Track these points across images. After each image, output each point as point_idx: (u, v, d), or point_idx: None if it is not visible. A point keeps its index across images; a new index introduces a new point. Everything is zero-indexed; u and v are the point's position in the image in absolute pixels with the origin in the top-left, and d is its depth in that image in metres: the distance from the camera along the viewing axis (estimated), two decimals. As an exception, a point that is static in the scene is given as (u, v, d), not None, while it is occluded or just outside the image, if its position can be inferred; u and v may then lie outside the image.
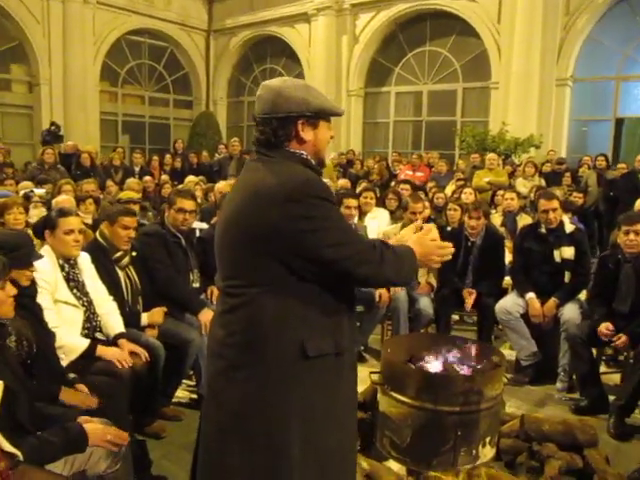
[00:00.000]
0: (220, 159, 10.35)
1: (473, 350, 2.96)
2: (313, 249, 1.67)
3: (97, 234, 3.53)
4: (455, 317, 4.85)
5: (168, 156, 10.76)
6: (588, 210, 8.06)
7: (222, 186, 6.72)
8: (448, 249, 1.95)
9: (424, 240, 1.91)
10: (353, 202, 4.69)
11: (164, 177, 9.52)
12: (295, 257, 1.68)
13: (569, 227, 4.47)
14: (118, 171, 9.34)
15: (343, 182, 8.28)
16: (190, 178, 8.94)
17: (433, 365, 2.87)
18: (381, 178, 10.09)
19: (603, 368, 4.37)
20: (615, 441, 3.49)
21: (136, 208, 5.34)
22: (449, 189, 8.23)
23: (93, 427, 2.08)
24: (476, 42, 13.01)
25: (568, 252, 4.35)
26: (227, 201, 1.96)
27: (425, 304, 4.54)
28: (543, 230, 4.43)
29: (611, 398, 3.81)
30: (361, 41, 14.59)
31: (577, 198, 7.55)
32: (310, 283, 1.72)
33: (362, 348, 4.78)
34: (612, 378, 4.32)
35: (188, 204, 3.91)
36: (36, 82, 13.96)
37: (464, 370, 2.86)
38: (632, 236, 3.86)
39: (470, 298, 4.51)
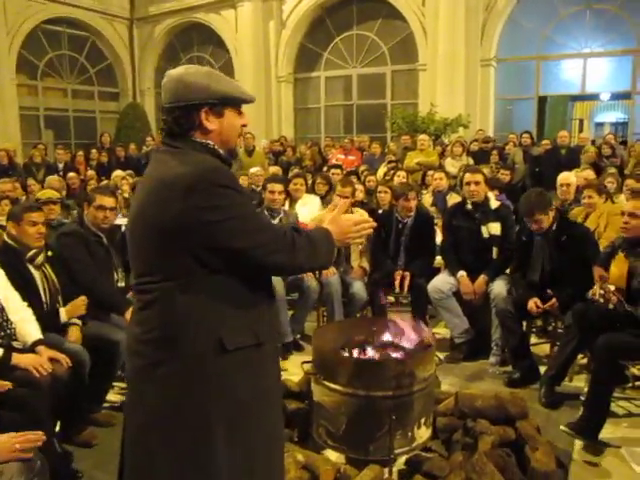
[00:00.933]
0: (148, 151, 10.04)
1: (405, 331, 2.96)
2: (221, 240, 1.61)
3: (5, 236, 3.32)
4: (390, 299, 4.86)
5: (94, 151, 10.36)
6: (515, 186, 8.25)
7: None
8: (365, 224, 1.91)
9: (339, 219, 1.86)
10: (277, 187, 4.59)
11: (90, 173, 9.15)
12: (204, 249, 1.61)
13: (494, 203, 4.56)
14: (40, 169, 8.91)
15: (274, 169, 8.20)
16: (117, 173, 8.65)
17: (365, 351, 2.86)
18: (314, 164, 10.04)
19: (533, 339, 4.49)
20: (546, 410, 3.60)
21: (56, 208, 5.10)
22: (380, 172, 8.27)
23: None
24: (402, 25, 13.11)
25: (495, 228, 4.43)
26: (134, 195, 1.87)
27: (359, 288, 4.54)
28: (469, 206, 4.50)
29: (542, 369, 3.92)
30: (288, 26, 14.44)
31: (504, 175, 7.71)
32: (223, 275, 1.66)
33: (298, 336, 4.74)
34: (542, 349, 4.45)
35: (108, 201, 3.74)
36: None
37: (396, 353, 2.86)
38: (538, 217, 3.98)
39: (399, 280, 4.54)
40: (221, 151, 1.73)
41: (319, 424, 2.83)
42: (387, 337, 2.95)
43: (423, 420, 2.75)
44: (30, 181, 7.67)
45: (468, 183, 4.50)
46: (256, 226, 1.68)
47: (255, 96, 1.84)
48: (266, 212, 4.64)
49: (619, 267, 3.42)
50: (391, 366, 2.62)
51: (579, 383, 3.91)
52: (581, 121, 18.46)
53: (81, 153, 10.17)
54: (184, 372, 1.64)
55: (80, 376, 3.15)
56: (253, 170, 7.53)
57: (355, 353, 2.80)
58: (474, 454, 2.58)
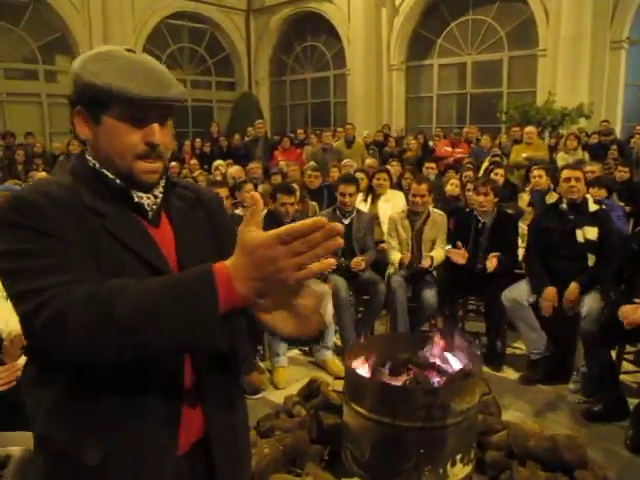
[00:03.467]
0: (246, 142, 10.17)
1: (451, 353, 2.64)
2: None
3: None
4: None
5: (198, 140, 10.67)
6: (637, 185, 7.36)
7: (235, 171, 6.52)
8: (301, 240, 0.91)
9: (250, 242, 0.94)
10: (349, 188, 4.34)
11: (193, 162, 9.43)
12: None
13: (592, 206, 4.02)
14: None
15: (370, 161, 7.92)
16: (217, 162, 8.81)
17: (400, 373, 2.58)
18: (416, 156, 9.64)
19: (627, 367, 3.91)
20: (630, 454, 3.09)
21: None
22: (483, 166, 7.73)
23: None
24: (522, 7, 12.22)
25: (591, 232, 3.89)
26: None
27: (429, 294, 4.20)
28: (564, 206, 4.00)
29: (635, 402, 3.39)
30: (401, 13, 13.99)
31: (622, 172, 6.90)
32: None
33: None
34: (638, 378, 3.88)
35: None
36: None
37: (435, 379, 2.55)
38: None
39: (492, 261, 4.15)
40: (107, 173, 1.18)
41: (346, 447, 2.60)
42: (430, 358, 2.66)
43: (459, 457, 2.43)
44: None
45: (567, 179, 3.99)
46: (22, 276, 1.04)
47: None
48: (338, 212, 4.45)
49: None
50: (420, 396, 2.32)
51: None
52: None
53: (188, 142, 10.50)
54: None
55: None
56: (344, 162, 7.33)
57: (383, 377, 2.53)
58: (513, 504, 2.23)
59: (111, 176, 1.18)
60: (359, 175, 5.52)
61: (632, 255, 3.66)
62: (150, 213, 1.21)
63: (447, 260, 4.38)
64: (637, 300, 3.37)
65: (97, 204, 1.14)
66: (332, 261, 0.98)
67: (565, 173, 4.04)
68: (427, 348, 2.72)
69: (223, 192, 3.95)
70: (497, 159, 7.79)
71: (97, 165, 1.19)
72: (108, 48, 1.19)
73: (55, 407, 1.13)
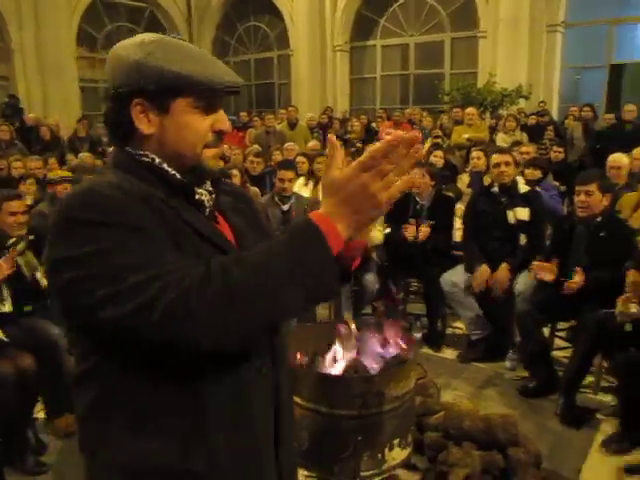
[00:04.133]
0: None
1: (386, 338, 2.67)
2: (82, 310, 0.99)
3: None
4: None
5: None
6: (571, 165, 7.59)
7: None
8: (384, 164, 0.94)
9: (338, 184, 0.95)
10: (288, 174, 4.31)
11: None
12: (82, 324, 1.06)
13: (523, 188, 4.13)
14: (84, 143, 8.98)
15: (312, 144, 7.87)
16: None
17: (337, 360, 2.59)
18: (360, 138, 9.66)
19: (559, 343, 4.06)
20: (561, 427, 3.22)
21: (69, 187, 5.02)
22: (425, 148, 7.81)
23: None
24: (463, -12, 12.32)
25: (522, 213, 4.02)
26: None
27: (369, 279, 4.23)
28: (496, 189, 4.11)
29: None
30: (344, -8, 13.89)
31: (557, 153, 7.10)
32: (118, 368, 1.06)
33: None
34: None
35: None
36: (7, 51, 13.49)
37: (372, 365, 2.58)
38: (582, 197, 3.51)
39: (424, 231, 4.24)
40: (168, 169, 1.11)
41: (287, 436, 2.60)
42: (365, 345, 2.67)
43: (397, 441, 2.47)
44: (69, 156, 7.73)
45: (497, 164, 4.11)
46: (130, 277, 0.96)
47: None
48: (276, 198, 4.41)
49: None
50: (355, 384, 2.33)
51: (605, 397, 3.49)
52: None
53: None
54: None
55: (57, 358, 3.07)
56: (286, 145, 7.27)
57: (320, 365, 2.53)
58: (447, 486, 2.29)
59: (172, 171, 1.11)
60: (300, 159, 5.50)
61: (563, 235, 3.79)
62: (208, 209, 1.17)
63: (386, 242, 4.42)
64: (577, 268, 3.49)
65: (167, 198, 1.09)
66: (416, 174, 1.04)
67: (495, 158, 4.14)
68: (366, 334, 2.74)
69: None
70: (438, 141, 7.90)
71: (157, 160, 1.11)
72: (157, 35, 1.12)
73: (142, 422, 1.06)
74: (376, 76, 14.48)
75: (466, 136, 8.03)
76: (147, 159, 1.11)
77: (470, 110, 8.27)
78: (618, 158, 5.15)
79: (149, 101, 1.08)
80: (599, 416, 3.20)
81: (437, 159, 6.04)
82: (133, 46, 1.09)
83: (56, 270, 1.00)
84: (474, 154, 5.82)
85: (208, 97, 1.10)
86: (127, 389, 1.05)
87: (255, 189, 5.55)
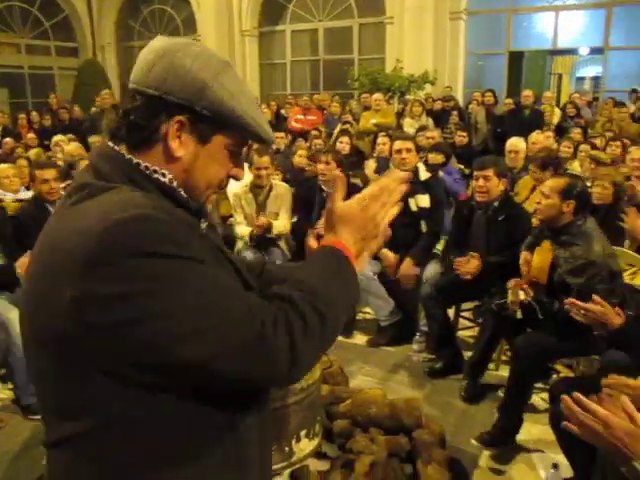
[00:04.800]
0: (91, 114, 9.47)
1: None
2: (144, 352, 0.90)
3: None
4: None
5: (34, 113, 9.77)
6: (474, 149, 7.88)
7: (72, 148, 6.02)
8: (386, 198, 1.10)
9: (347, 213, 1.06)
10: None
11: (30, 136, 8.64)
12: (122, 368, 0.93)
13: (424, 174, 4.21)
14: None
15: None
16: (57, 137, 8.12)
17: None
18: (270, 124, 9.54)
19: (464, 323, 4.20)
20: (464, 405, 3.33)
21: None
22: (335, 134, 7.84)
23: None
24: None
25: (424, 200, 4.09)
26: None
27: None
28: None
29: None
30: (251, -24, 13.67)
31: (461, 137, 7.34)
32: (159, 406, 0.97)
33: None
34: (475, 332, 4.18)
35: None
36: None
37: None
38: (481, 182, 3.62)
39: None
40: (183, 194, 1.04)
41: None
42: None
43: (304, 432, 2.46)
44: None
45: (398, 151, 4.16)
46: (209, 318, 0.90)
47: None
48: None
49: (542, 256, 3.07)
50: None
51: (505, 372, 3.64)
52: (560, 76, 17.92)
53: (23, 115, 9.58)
54: None
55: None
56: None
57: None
58: (352, 474, 2.30)
59: (184, 196, 1.04)
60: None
61: (463, 220, 3.90)
62: None
63: (293, 230, 4.41)
64: (472, 253, 3.60)
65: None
66: (397, 206, 1.12)
67: (396, 145, 4.19)
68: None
69: (49, 174, 3.60)
70: (347, 126, 7.95)
71: (174, 183, 1.03)
72: (223, 58, 1.05)
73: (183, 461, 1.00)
74: (286, 61, 14.39)
75: (374, 121, 8.12)
76: (164, 179, 1.02)
77: (377, 96, 8.37)
78: (515, 142, 5.37)
79: (192, 124, 1.00)
80: (500, 393, 3.33)
81: (343, 145, 6.06)
82: (200, 61, 1.00)
83: (114, 306, 0.87)
84: (380, 140, 5.89)
85: (244, 143, 1.09)
86: (163, 430, 0.98)
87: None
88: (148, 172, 1.01)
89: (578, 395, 1.11)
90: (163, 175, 1.02)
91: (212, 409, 1.00)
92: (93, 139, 7.05)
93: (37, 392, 1.06)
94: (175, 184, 1.03)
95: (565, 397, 1.14)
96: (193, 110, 0.99)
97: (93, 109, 9.60)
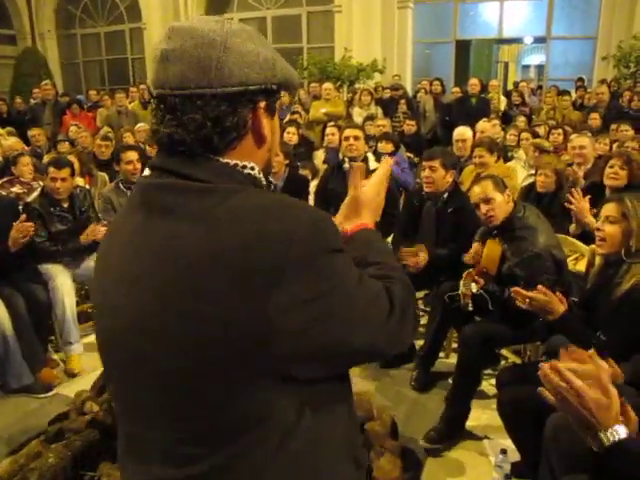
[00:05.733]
0: (32, 106, 9.12)
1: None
2: (327, 347, 0.93)
3: None
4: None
5: (-30, 105, 9.34)
6: (423, 137, 7.96)
7: (11, 143, 5.78)
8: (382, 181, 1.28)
9: (366, 198, 1.22)
10: (133, 155, 4.08)
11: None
12: (300, 364, 0.93)
13: (373, 164, 4.22)
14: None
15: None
16: (-5, 130, 7.78)
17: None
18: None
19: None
20: (415, 394, 3.37)
21: None
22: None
23: None
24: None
25: None
26: (110, 286, 0.99)
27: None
28: (347, 166, 4.17)
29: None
30: (196, -38, 13.38)
31: (410, 126, 7.40)
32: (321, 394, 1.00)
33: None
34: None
35: None
36: None
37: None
38: (427, 172, 3.65)
39: None
40: (263, 181, 1.04)
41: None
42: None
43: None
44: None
45: (347, 138, 4.17)
46: (367, 306, 0.97)
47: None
48: (122, 186, 4.16)
49: (492, 249, 3.11)
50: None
51: (455, 360, 3.70)
52: (506, 64, 18.29)
53: (-43, 108, 9.14)
54: None
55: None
56: (138, 126, 6.88)
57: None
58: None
59: (264, 182, 1.04)
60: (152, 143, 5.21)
61: (413, 211, 3.93)
62: None
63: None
64: (419, 245, 3.63)
65: None
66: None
67: (345, 132, 4.20)
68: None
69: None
70: (295, 116, 7.89)
71: (260, 173, 1.02)
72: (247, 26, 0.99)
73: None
74: (235, 50, 14.18)
75: (324, 111, 8.09)
76: (253, 172, 1.00)
77: (327, 85, 8.33)
78: (462, 131, 5.44)
79: (267, 102, 0.98)
80: (450, 381, 3.38)
81: (290, 136, 6.00)
82: (255, 38, 0.95)
83: (312, 305, 0.89)
84: (328, 130, 5.88)
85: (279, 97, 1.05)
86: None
87: (103, 175, 5.21)
88: (243, 170, 0.98)
89: (556, 364, 1.16)
90: (252, 168, 1.00)
91: (346, 386, 1.10)
92: (33, 132, 6.78)
93: (162, 424, 0.96)
94: (260, 174, 1.02)
95: (544, 365, 1.19)
96: (268, 89, 0.97)
97: (33, 101, 9.23)
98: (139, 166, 4.12)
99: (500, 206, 2.94)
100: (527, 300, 2.35)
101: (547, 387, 1.18)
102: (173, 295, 0.88)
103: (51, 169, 3.73)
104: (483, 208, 2.96)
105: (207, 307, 0.86)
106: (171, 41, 0.92)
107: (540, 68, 18.03)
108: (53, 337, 3.96)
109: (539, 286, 2.33)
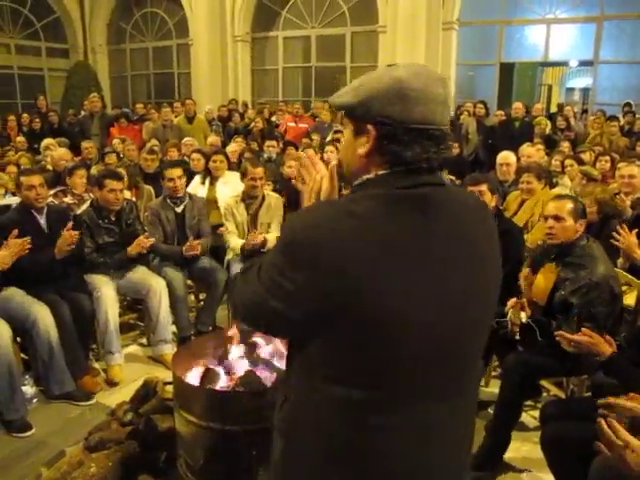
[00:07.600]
0: (81, 118, 9.39)
1: (276, 347, 2.62)
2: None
3: None
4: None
5: (25, 115, 9.67)
6: (465, 159, 7.90)
7: (61, 153, 5.96)
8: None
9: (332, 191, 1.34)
10: (176, 172, 4.15)
11: (19, 139, 8.55)
12: None
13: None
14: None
15: (212, 139, 7.65)
16: (47, 141, 8.03)
17: (230, 373, 2.52)
18: (262, 131, 9.52)
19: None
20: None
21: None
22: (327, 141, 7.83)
23: None
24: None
25: None
26: (448, 262, 1.13)
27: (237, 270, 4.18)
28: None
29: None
30: (245, -19, 13.65)
31: (453, 148, 7.35)
32: None
33: (209, 329, 4.39)
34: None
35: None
36: None
37: (266, 376, 2.52)
38: (475, 198, 3.60)
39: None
40: None
41: (180, 454, 2.50)
42: (258, 354, 2.62)
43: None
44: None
45: None
46: None
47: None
48: (168, 201, 4.24)
49: (547, 277, 3.03)
50: (247, 399, 2.27)
51: (496, 389, 3.63)
52: (549, 87, 18.07)
53: (12, 117, 9.47)
54: None
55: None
56: (184, 140, 7.03)
57: (216, 378, 2.45)
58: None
59: None
60: (195, 156, 5.32)
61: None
62: None
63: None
64: None
65: None
66: None
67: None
68: (260, 342, 2.69)
69: (36, 180, 3.55)
70: (339, 135, 7.93)
71: None
72: None
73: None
74: (278, 68, 14.38)
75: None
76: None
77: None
78: (507, 155, 5.39)
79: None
80: (490, 410, 3.32)
81: (329, 155, 6.01)
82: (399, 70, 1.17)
83: None
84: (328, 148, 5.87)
85: None
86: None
87: (149, 188, 5.32)
88: None
89: (611, 421, 1.23)
90: None
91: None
92: (86, 144, 6.95)
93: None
94: None
95: (601, 421, 1.29)
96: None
97: (82, 113, 9.51)
98: (180, 183, 4.19)
99: (567, 229, 2.87)
100: (572, 343, 2.31)
101: (602, 440, 1.16)
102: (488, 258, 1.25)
103: (109, 181, 3.83)
104: (550, 223, 2.91)
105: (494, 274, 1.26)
106: (447, 88, 1.16)
107: (585, 91, 17.75)
108: (95, 346, 4.03)
109: (584, 329, 2.28)
